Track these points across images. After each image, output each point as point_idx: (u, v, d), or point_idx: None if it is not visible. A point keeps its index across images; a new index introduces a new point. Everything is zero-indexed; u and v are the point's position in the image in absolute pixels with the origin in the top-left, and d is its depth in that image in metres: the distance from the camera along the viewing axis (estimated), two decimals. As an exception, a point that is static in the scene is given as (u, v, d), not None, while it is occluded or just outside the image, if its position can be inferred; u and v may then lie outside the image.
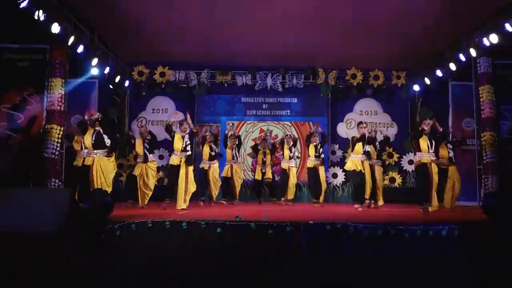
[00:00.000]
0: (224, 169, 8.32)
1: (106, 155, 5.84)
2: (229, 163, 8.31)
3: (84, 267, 3.81)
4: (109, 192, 5.58)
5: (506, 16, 6.20)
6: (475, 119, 8.23)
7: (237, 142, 8.42)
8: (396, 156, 9.66)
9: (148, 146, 6.94)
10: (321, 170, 8.05)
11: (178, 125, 6.79)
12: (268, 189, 8.97)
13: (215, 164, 7.90)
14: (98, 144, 5.84)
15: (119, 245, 4.00)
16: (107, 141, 5.89)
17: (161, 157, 9.47)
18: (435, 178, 6.18)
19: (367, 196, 6.77)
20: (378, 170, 7.39)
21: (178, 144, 6.47)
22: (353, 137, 7.06)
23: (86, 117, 6.11)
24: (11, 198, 4.40)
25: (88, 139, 5.87)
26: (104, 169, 5.77)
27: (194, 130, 6.91)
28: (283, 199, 8.37)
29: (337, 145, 9.74)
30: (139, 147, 6.97)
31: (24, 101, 7.54)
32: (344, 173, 9.19)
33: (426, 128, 6.22)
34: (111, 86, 9.23)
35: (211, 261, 3.90)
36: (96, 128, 5.92)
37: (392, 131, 9.70)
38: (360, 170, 6.65)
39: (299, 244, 3.87)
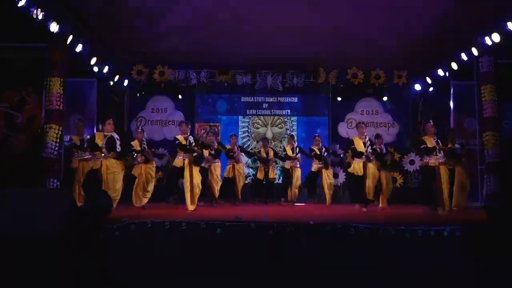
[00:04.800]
0: (226, 169, 8.21)
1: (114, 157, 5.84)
2: (230, 163, 8.21)
3: (84, 268, 3.78)
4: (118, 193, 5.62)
5: (509, 15, 6.15)
6: (477, 119, 8.17)
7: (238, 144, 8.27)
8: (397, 156, 9.61)
9: (146, 147, 6.88)
10: (325, 173, 7.74)
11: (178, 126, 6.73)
12: (267, 189, 8.76)
13: (216, 164, 7.67)
14: (108, 149, 5.87)
15: (118, 245, 3.96)
16: (118, 148, 5.90)
17: (160, 157, 9.43)
18: (445, 181, 5.94)
19: (370, 196, 6.68)
20: (386, 174, 7.15)
21: (180, 145, 6.36)
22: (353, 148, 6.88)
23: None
24: (10, 199, 4.35)
25: (99, 144, 5.91)
26: (112, 169, 5.78)
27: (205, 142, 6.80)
28: (283, 199, 8.28)
29: (338, 145, 9.66)
30: (136, 148, 6.91)
31: (23, 100, 7.50)
32: (344, 174, 9.14)
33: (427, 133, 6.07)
34: (110, 84, 9.15)
35: (211, 262, 3.86)
36: (107, 134, 5.94)
37: (393, 131, 9.65)
38: (358, 173, 6.48)
39: (299, 244, 3.83)
